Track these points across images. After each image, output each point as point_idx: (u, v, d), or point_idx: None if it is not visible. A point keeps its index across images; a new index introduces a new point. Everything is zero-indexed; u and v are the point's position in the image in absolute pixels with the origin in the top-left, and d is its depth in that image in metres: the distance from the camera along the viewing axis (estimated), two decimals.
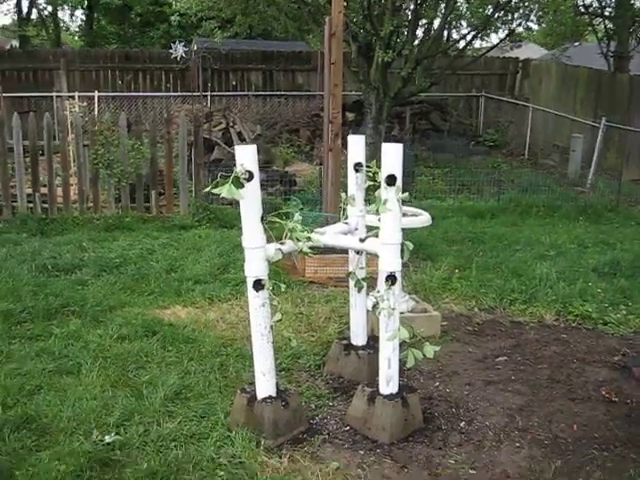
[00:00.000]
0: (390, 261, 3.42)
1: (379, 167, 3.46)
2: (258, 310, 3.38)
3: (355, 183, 4.06)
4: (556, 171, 13.07)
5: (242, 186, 3.14)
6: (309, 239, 3.39)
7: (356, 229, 4.09)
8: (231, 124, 10.00)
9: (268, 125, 14.46)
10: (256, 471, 3.16)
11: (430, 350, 3.47)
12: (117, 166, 8.20)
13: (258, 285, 3.34)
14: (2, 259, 6.30)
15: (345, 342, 4.32)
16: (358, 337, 4.28)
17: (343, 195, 4.11)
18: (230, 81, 16.60)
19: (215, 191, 2.99)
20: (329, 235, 3.72)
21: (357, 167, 4.04)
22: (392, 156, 3.40)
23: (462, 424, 3.64)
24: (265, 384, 3.50)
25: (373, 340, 4.29)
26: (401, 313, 4.93)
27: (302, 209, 6.32)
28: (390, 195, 3.34)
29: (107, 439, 3.36)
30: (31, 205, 8.21)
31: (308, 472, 3.20)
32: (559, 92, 15.71)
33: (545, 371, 4.31)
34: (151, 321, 4.97)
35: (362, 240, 3.62)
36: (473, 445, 3.43)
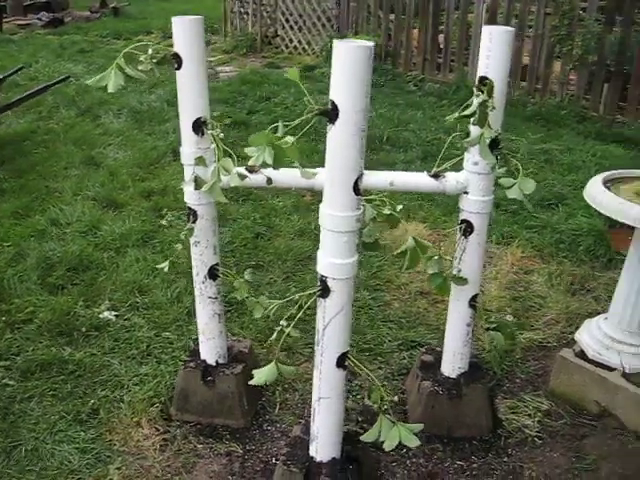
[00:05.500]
0: (322, 261, 1.89)
1: None
2: (193, 249, 2.47)
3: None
4: None
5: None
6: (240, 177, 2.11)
7: (465, 192, 2.37)
8: None
9: None
10: (106, 431, 2.55)
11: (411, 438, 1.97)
12: (570, 44, 6.58)
13: (191, 214, 2.41)
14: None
15: (430, 358, 2.76)
16: (446, 362, 2.66)
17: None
18: None
19: (89, 82, 2.07)
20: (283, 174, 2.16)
21: (482, 84, 2.20)
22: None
23: None
24: (203, 346, 2.65)
25: (469, 375, 2.62)
26: (610, 370, 2.77)
27: None
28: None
29: (104, 315, 3.24)
30: None
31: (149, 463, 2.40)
32: None
33: None
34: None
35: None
36: None
